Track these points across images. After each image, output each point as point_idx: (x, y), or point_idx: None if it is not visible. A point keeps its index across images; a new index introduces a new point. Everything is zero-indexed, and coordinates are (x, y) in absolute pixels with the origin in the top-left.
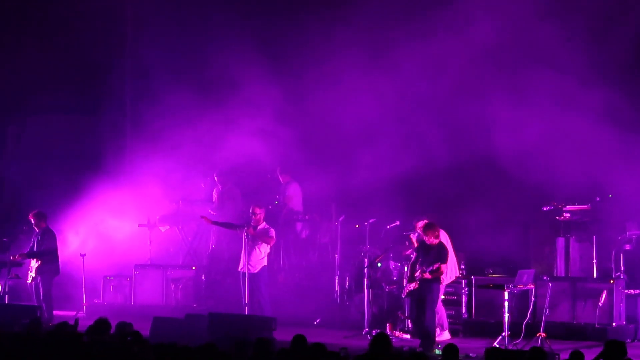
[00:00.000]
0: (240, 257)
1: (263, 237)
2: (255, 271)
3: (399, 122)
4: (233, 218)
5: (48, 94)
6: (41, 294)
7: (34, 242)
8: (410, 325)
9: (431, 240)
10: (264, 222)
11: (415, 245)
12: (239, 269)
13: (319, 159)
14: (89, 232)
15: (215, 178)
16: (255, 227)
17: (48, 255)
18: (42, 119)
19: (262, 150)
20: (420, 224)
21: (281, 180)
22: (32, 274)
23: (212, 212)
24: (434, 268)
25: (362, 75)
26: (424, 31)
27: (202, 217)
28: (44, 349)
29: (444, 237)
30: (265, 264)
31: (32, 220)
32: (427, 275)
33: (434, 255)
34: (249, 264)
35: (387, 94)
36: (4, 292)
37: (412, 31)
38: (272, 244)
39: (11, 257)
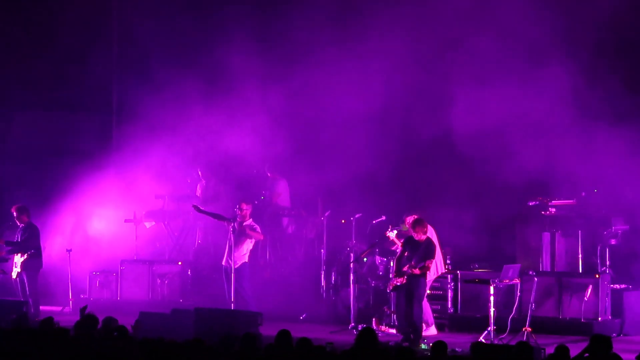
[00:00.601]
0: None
1: (253, 233)
2: (236, 266)
3: (383, 115)
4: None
5: (34, 89)
6: (27, 289)
7: (17, 236)
8: (395, 320)
9: (419, 236)
10: (250, 219)
11: (396, 242)
12: (222, 263)
13: (304, 154)
14: (75, 228)
15: (199, 173)
16: (241, 223)
17: (30, 249)
18: (28, 115)
19: (248, 145)
20: (410, 219)
21: (269, 176)
22: (17, 269)
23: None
24: (425, 264)
25: (348, 69)
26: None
27: (193, 206)
28: (31, 344)
29: (431, 233)
30: (247, 260)
31: (14, 214)
32: (416, 271)
33: (422, 250)
34: (230, 259)
35: (369, 87)
36: None
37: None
38: (261, 239)
39: None
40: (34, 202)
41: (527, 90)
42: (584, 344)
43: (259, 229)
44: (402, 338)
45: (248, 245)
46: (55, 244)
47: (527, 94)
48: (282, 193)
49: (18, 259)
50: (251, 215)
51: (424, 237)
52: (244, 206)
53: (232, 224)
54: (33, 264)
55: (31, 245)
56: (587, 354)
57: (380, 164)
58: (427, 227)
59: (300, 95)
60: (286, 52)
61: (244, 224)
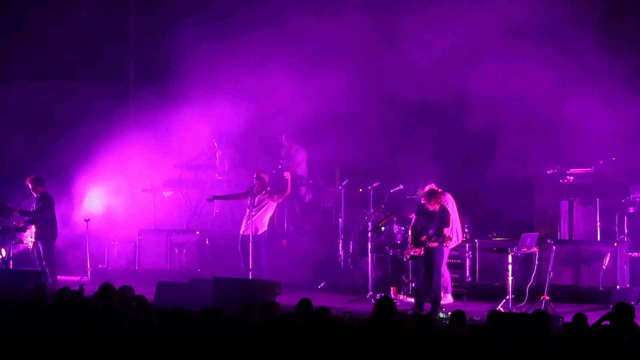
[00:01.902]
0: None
1: (277, 193)
2: (258, 234)
3: (402, 83)
4: (236, 182)
5: (51, 59)
6: (43, 259)
7: (33, 207)
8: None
9: (434, 207)
10: (268, 188)
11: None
12: (241, 233)
13: (322, 123)
14: (92, 198)
15: (215, 143)
16: (258, 193)
17: (42, 219)
18: (45, 85)
19: (265, 113)
20: (427, 188)
21: (286, 145)
22: (32, 240)
23: (218, 177)
24: (444, 237)
25: (362, 36)
26: None
27: (208, 199)
28: (49, 313)
29: (450, 201)
30: (266, 228)
31: (29, 185)
32: (434, 244)
33: (437, 220)
34: (249, 228)
35: (388, 50)
36: (8, 258)
37: None
38: (287, 194)
39: (14, 223)
40: (50, 172)
41: (542, 60)
42: (603, 312)
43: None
44: (413, 304)
45: (269, 214)
46: (73, 213)
47: (542, 65)
48: (302, 162)
49: (32, 228)
50: (269, 185)
51: (437, 207)
52: (262, 175)
53: (248, 197)
54: (47, 234)
55: (44, 215)
56: (606, 322)
57: (398, 133)
58: (440, 198)
59: (320, 63)
60: (311, 17)
61: (262, 194)
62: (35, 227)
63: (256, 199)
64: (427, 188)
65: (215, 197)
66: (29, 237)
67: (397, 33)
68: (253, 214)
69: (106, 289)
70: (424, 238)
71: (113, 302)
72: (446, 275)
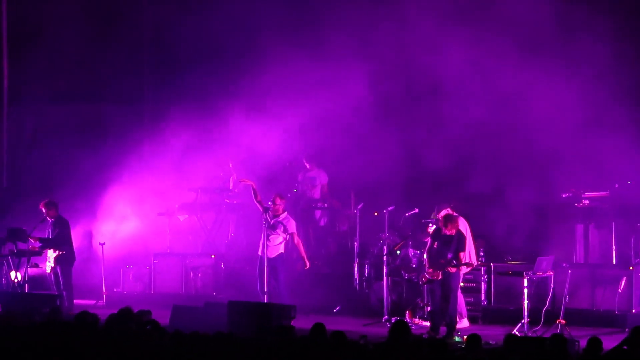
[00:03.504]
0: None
1: (284, 231)
2: (271, 257)
3: (416, 106)
4: (250, 205)
5: (66, 81)
6: (61, 283)
7: (48, 231)
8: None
9: (451, 231)
10: (285, 212)
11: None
12: (258, 253)
13: (337, 147)
14: (108, 221)
15: (230, 165)
16: (273, 216)
17: (62, 244)
18: (60, 107)
19: (281, 138)
20: (442, 213)
21: (307, 167)
22: (50, 264)
23: (227, 201)
24: (460, 262)
25: (379, 54)
26: None
27: (241, 180)
28: (65, 337)
29: (464, 225)
30: (282, 251)
31: (43, 210)
32: (452, 269)
33: (454, 244)
34: (264, 249)
35: (403, 74)
36: (24, 281)
37: None
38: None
39: (30, 247)
40: (65, 195)
41: (560, 82)
42: (619, 336)
43: (292, 224)
44: (428, 328)
45: (283, 235)
46: (88, 237)
47: (561, 86)
48: (321, 185)
49: (51, 253)
50: (285, 209)
51: (454, 231)
52: (278, 200)
53: (265, 216)
54: (65, 258)
55: (62, 240)
56: (625, 347)
57: (414, 157)
58: (457, 222)
59: (334, 85)
60: (325, 35)
61: (278, 218)
62: (54, 252)
63: (272, 222)
64: (442, 213)
65: (244, 181)
66: (48, 261)
67: (420, 54)
68: (268, 233)
69: (125, 313)
70: (443, 261)
71: (131, 326)
72: (460, 300)
